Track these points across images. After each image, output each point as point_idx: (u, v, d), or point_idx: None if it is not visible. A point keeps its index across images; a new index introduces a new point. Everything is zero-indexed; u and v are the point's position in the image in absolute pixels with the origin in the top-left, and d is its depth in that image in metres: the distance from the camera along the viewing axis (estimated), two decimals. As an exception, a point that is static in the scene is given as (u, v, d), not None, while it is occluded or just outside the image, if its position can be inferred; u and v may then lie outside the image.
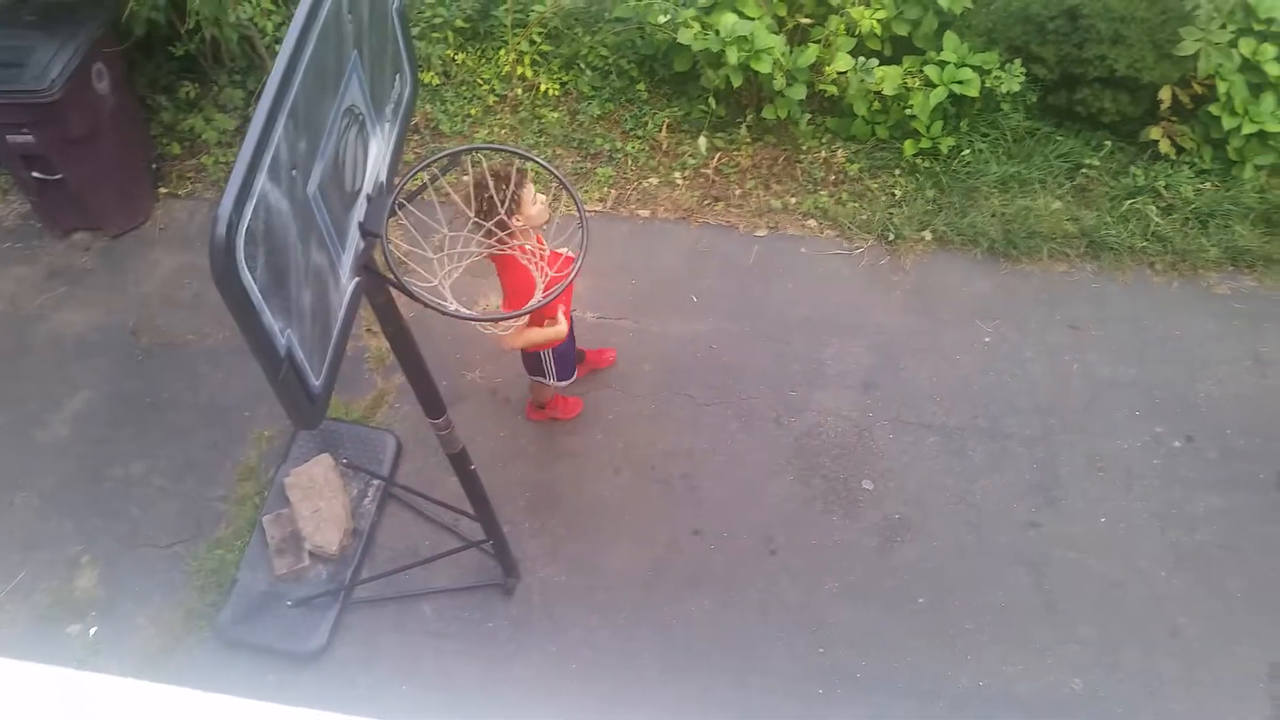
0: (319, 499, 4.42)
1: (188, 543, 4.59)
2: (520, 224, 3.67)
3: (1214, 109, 5.28)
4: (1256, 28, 5.23)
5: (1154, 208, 5.36)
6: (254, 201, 1.94)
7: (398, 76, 2.89)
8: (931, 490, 4.62)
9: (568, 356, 4.35)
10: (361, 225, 2.61)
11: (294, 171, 2.12)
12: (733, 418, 4.87)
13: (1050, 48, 5.46)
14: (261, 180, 1.97)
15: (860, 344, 5.08)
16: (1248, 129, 5.20)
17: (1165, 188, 5.37)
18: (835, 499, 4.61)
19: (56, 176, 5.25)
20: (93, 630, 4.36)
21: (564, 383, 4.45)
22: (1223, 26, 5.12)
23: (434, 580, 4.39)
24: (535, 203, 3.70)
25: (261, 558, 4.42)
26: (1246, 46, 5.21)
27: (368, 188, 2.66)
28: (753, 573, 4.43)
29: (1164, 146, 5.42)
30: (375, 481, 4.62)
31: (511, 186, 3.58)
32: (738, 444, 4.79)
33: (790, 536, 4.52)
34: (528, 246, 3.63)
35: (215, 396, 5.03)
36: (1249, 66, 5.23)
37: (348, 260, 2.54)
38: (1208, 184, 5.40)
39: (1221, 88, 5.24)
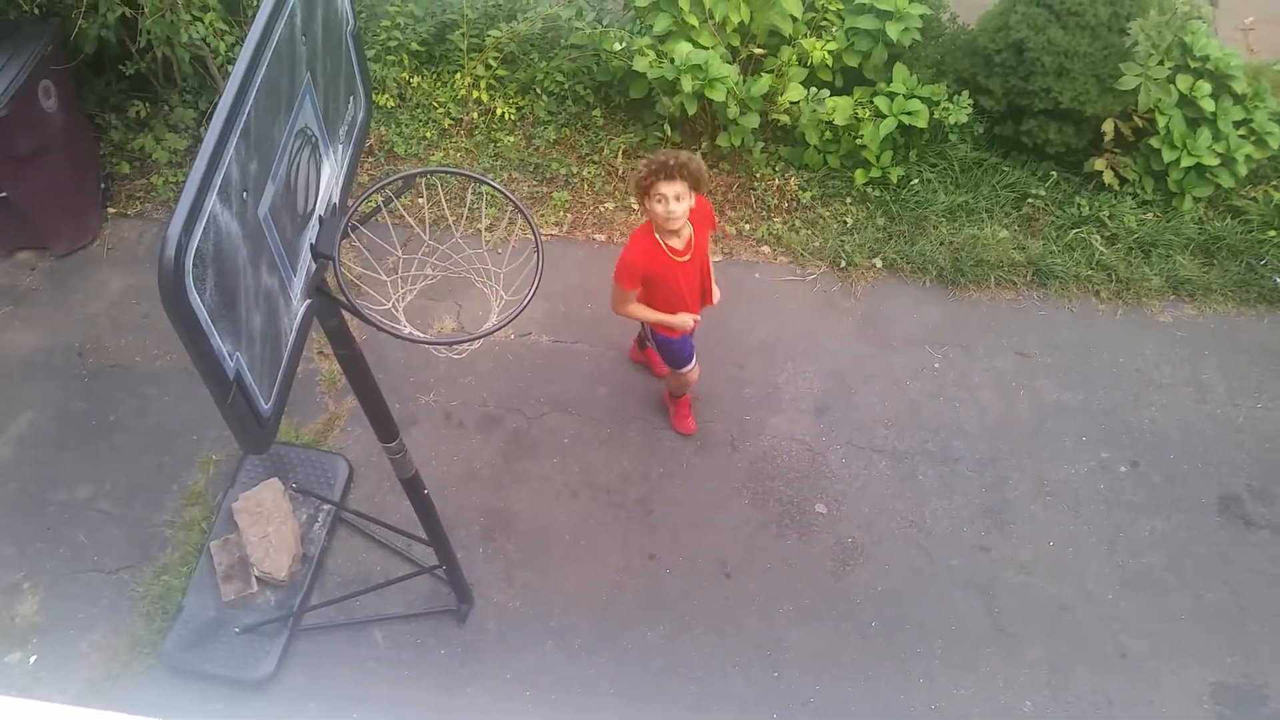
0: (268, 524, 4.35)
1: (133, 568, 4.48)
2: (650, 212, 3.83)
3: (1154, 142, 5.45)
4: (1193, 65, 5.42)
5: (1098, 237, 5.50)
6: (204, 223, 1.91)
7: (352, 99, 2.89)
8: (883, 514, 4.67)
9: (673, 348, 4.41)
10: (313, 247, 2.59)
11: (245, 193, 2.10)
12: (687, 442, 4.88)
13: (997, 80, 5.59)
14: (212, 201, 1.94)
15: (813, 369, 5.14)
16: (1186, 162, 5.37)
17: (1109, 218, 5.52)
18: (789, 523, 4.64)
19: (1, 195, 5.15)
20: (33, 659, 4.24)
21: (671, 370, 4.58)
22: (1161, 63, 5.27)
23: (386, 606, 4.34)
24: (660, 202, 3.76)
25: (209, 584, 4.34)
26: (1183, 83, 5.39)
27: (320, 209, 2.64)
28: (708, 597, 4.44)
29: (1108, 177, 5.57)
30: (326, 506, 4.56)
31: (650, 172, 3.72)
32: (693, 468, 4.81)
33: (745, 560, 4.54)
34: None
35: (163, 419, 4.94)
36: (1186, 101, 5.41)
37: (299, 282, 2.51)
38: (1149, 214, 5.56)
39: (1161, 121, 5.41)
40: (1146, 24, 5.19)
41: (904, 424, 4.95)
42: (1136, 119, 5.50)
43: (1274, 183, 5.62)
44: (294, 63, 2.35)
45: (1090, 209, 5.56)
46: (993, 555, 4.56)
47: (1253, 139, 5.41)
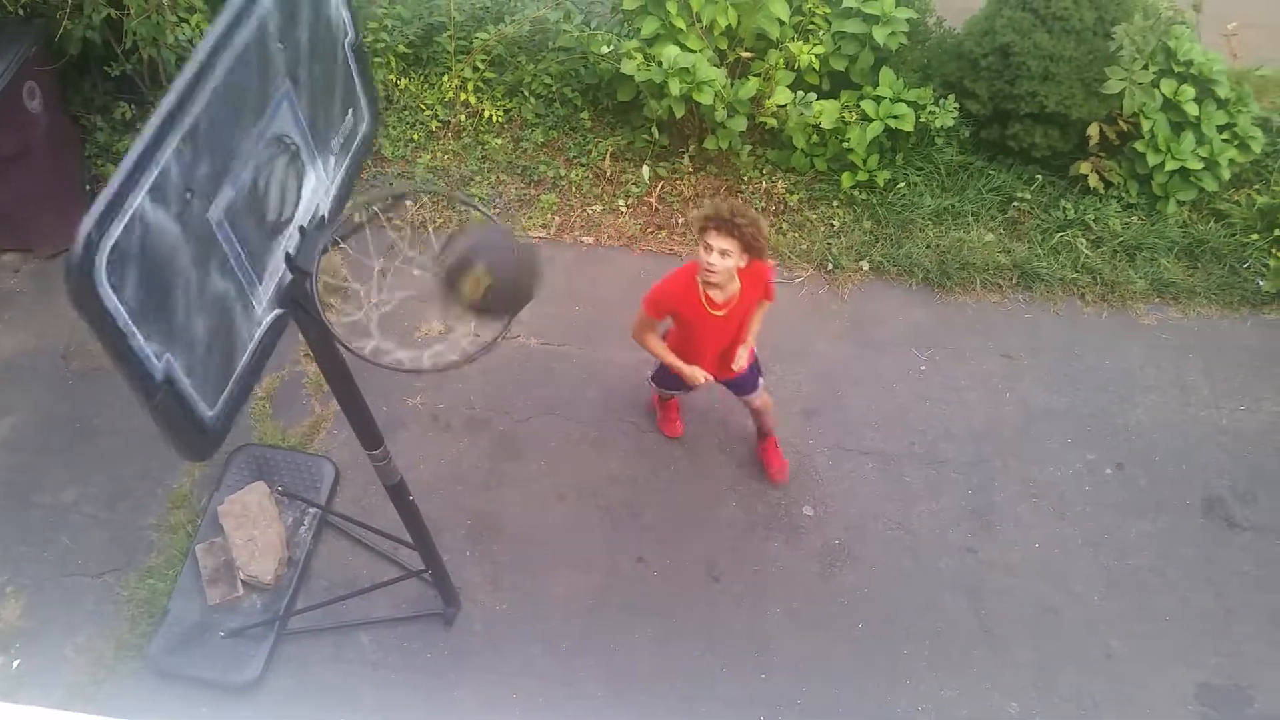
0: (253, 527, 4.33)
1: (118, 572, 4.46)
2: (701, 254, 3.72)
3: (1139, 146, 5.47)
4: (1176, 69, 5.45)
5: (1083, 240, 5.53)
6: (126, 219, 1.88)
7: (351, 112, 2.84)
8: (870, 516, 4.68)
9: (672, 378, 4.28)
10: (290, 259, 2.55)
11: (189, 194, 2.07)
12: (675, 445, 4.89)
13: (983, 84, 5.61)
14: (140, 199, 1.91)
15: (801, 371, 5.15)
16: (1170, 165, 5.40)
17: (1094, 221, 5.55)
18: (777, 525, 4.64)
19: (-16, 196, 5.12)
20: (16, 663, 4.21)
21: (654, 385, 4.56)
22: (1145, 67, 5.30)
23: (372, 610, 4.32)
24: (705, 250, 3.66)
25: (194, 587, 4.32)
26: (1168, 87, 5.42)
27: (301, 220, 2.61)
28: (696, 599, 4.44)
29: (1093, 181, 5.60)
30: (312, 510, 4.54)
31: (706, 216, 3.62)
32: (681, 471, 4.81)
33: (733, 563, 4.54)
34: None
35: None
36: (1170, 106, 5.44)
37: (266, 291, 2.47)
38: (1134, 218, 5.59)
39: (1145, 126, 5.44)
40: (1131, 28, 5.22)
41: (891, 426, 4.96)
42: (1121, 123, 5.53)
43: (1256, 187, 5.66)
44: (266, 67, 2.30)
45: (1075, 212, 5.58)
46: (979, 557, 4.57)
47: (1236, 143, 5.45)
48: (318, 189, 2.67)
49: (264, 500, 4.45)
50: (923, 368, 5.17)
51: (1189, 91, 5.41)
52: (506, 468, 4.81)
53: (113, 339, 1.93)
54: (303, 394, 5.00)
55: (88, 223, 1.80)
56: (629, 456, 4.84)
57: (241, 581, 4.29)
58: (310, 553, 4.46)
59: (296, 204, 2.57)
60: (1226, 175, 5.44)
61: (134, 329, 1.95)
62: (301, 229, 2.59)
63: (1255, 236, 5.42)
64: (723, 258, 3.63)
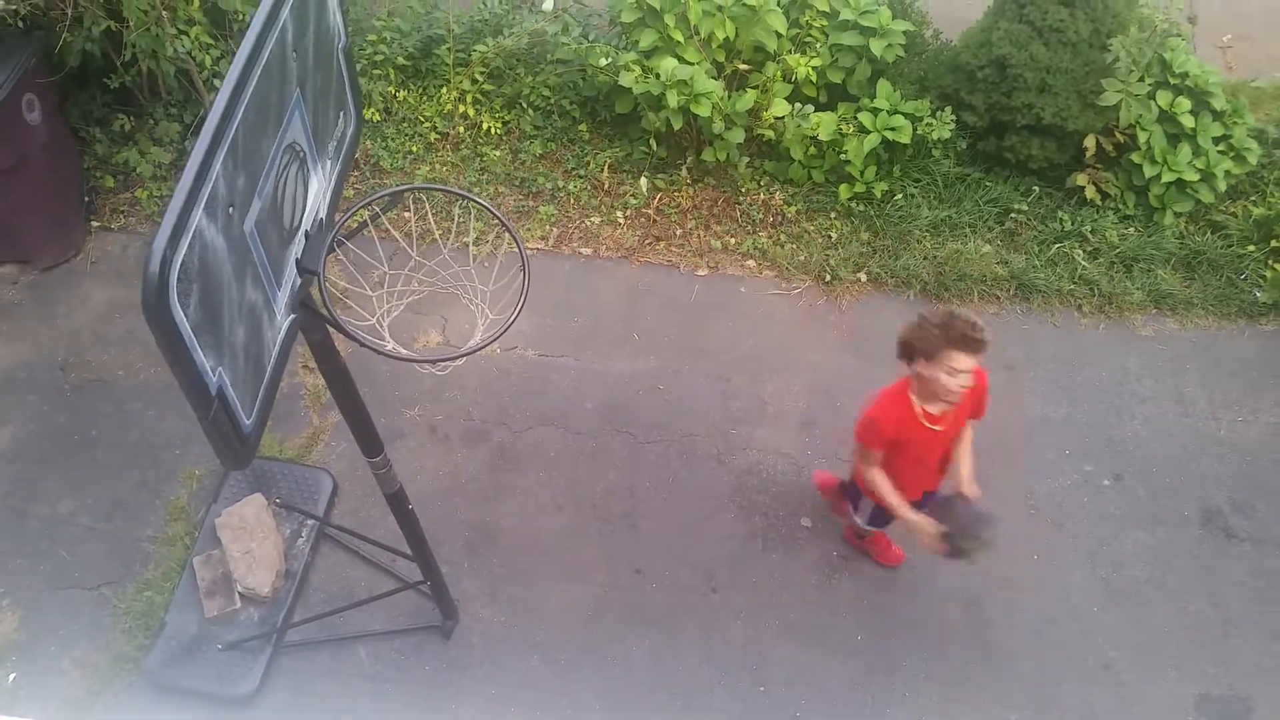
0: (251, 540, 4.32)
1: (115, 584, 4.45)
2: (922, 377, 3.47)
3: (1135, 157, 5.49)
4: (1172, 81, 5.47)
5: (1080, 252, 5.54)
6: (189, 237, 1.91)
7: (341, 114, 2.89)
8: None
9: (885, 514, 4.02)
10: (299, 262, 2.59)
11: (231, 208, 2.10)
12: (674, 455, 4.89)
13: (980, 96, 5.63)
14: (198, 215, 1.94)
15: (799, 382, 5.15)
16: (1167, 177, 5.42)
17: (1091, 232, 5.56)
18: (776, 537, 4.64)
19: (-16, 208, 5.13)
20: (12, 676, 4.20)
21: (867, 526, 4.24)
22: (1141, 79, 5.33)
23: (370, 623, 4.31)
24: (950, 375, 3.36)
25: (192, 600, 4.31)
26: (1163, 99, 5.44)
27: (306, 224, 2.64)
28: (694, 611, 4.43)
29: (1089, 192, 5.61)
30: (309, 522, 4.54)
31: (949, 339, 3.31)
32: (679, 482, 4.81)
33: (731, 574, 4.53)
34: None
35: (146, 434, 4.91)
36: (1166, 117, 5.46)
37: (283, 297, 2.51)
38: (1131, 229, 5.60)
39: (1142, 137, 5.46)
40: (1127, 41, 5.24)
41: (889, 437, 4.96)
42: (1118, 135, 5.55)
43: (1253, 198, 5.67)
44: (284, 78, 2.35)
45: (1072, 224, 5.60)
46: (978, 568, 4.55)
47: (1232, 155, 5.47)
48: (318, 193, 2.70)
49: (261, 512, 4.44)
50: (921, 379, 5.17)
51: (1185, 103, 5.42)
52: (504, 479, 4.80)
53: (180, 356, 1.96)
54: (300, 406, 5.00)
55: (160, 241, 1.83)
56: (627, 468, 4.84)
57: (239, 594, 4.28)
58: (308, 565, 4.45)
59: (304, 209, 2.59)
60: (1223, 187, 5.45)
61: (196, 344, 1.98)
62: (306, 234, 2.62)
63: (1251, 248, 5.43)
64: (970, 377, 3.40)
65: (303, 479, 4.66)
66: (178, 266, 1.88)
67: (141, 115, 5.87)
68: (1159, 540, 4.64)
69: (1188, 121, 5.40)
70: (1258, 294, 5.36)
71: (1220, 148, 5.46)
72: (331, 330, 2.76)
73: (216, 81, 5.44)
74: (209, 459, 4.74)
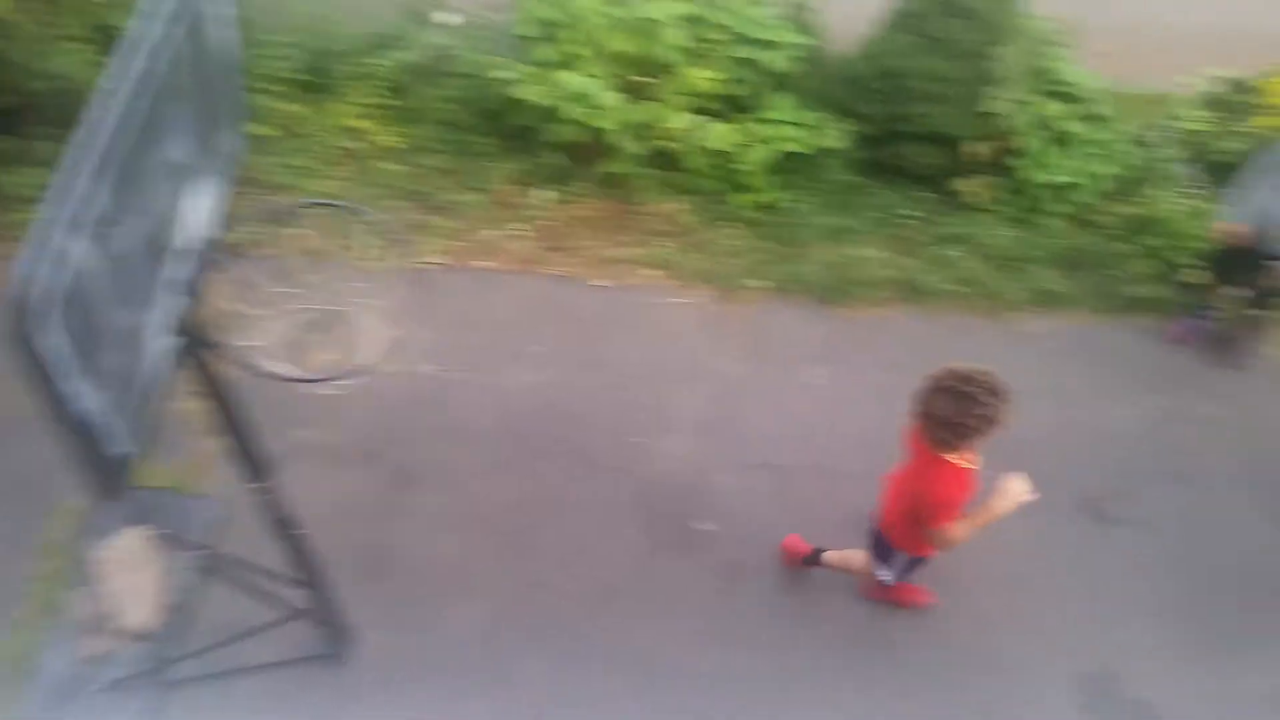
0: (131, 573, 4.17)
1: (-14, 626, 4.26)
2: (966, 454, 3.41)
3: (1019, 163, 5.66)
4: (1054, 89, 5.66)
5: (967, 254, 5.68)
6: (57, 259, 1.83)
7: (227, 130, 2.82)
8: (770, 530, 4.70)
9: (922, 565, 4.07)
10: (181, 283, 2.51)
11: (106, 227, 2.02)
12: (576, 467, 4.87)
13: (873, 106, 5.76)
14: (67, 236, 1.86)
15: (700, 390, 5.17)
16: (1048, 181, 5.59)
17: (977, 235, 5.73)
18: (678, 544, 4.64)
19: None
20: None
21: (897, 579, 4.19)
22: (1025, 87, 5.49)
23: (260, 654, 4.16)
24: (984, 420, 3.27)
25: (69, 639, 4.13)
26: (1045, 106, 5.62)
27: (190, 243, 2.57)
28: (597, 623, 4.41)
29: (976, 197, 5.77)
30: (193, 552, 4.39)
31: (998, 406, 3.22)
32: (580, 494, 4.79)
33: (635, 584, 4.52)
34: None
35: (16, 466, 4.68)
36: (1048, 124, 5.64)
37: (164, 319, 2.43)
38: (1015, 231, 5.78)
39: (1025, 143, 5.63)
40: (1012, 51, 5.42)
41: (789, 440, 5.02)
42: (1003, 141, 5.71)
43: (1129, 199, 5.87)
44: (166, 93, 2.27)
45: (959, 228, 5.76)
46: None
47: (1108, 158, 5.68)
48: (202, 210, 2.63)
49: (142, 545, 4.28)
50: (818, 382, 5.25)
51: (1065, 110, 5.61)
52: (400, 499, 4.72)
53: (45, 382, 1.87)
54: (183, 431, 4.84)
55: (24, 264, 1.75)
56: (527, 482, 4.80)
57: (119, 631, 4.12)
58: (193, 597, 4.31)
59: (186, 227, 2.52)
60: (1101, 188, 5.65)
61: (65, 371, 1.89)
62: (190, 253, 2.54)
63: (1127, 246, 5.64)
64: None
65: (186, 508, 4.51)
66: (44, 291, 1.79)
67: (21, 136, 5.65)
68: (1039, 527, 4.73)
69: (1067, 127, 5.59)
70: (1134, 289, 5.55)
71: (1098, 151, 5.66)
72: (216, 353, 2.68)
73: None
74: (85, 491, 4.56)
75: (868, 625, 4.46)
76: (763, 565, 4.60)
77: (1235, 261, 5.08)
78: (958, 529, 3.59)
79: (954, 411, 3.23)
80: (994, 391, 3.22)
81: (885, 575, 4.16)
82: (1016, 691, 4.33)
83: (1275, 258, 4.94)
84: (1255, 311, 5.27)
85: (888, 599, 4.51)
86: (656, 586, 4.52)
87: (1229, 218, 5.00)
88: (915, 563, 4.05)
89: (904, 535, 3.85)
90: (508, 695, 4.20)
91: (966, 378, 3.22)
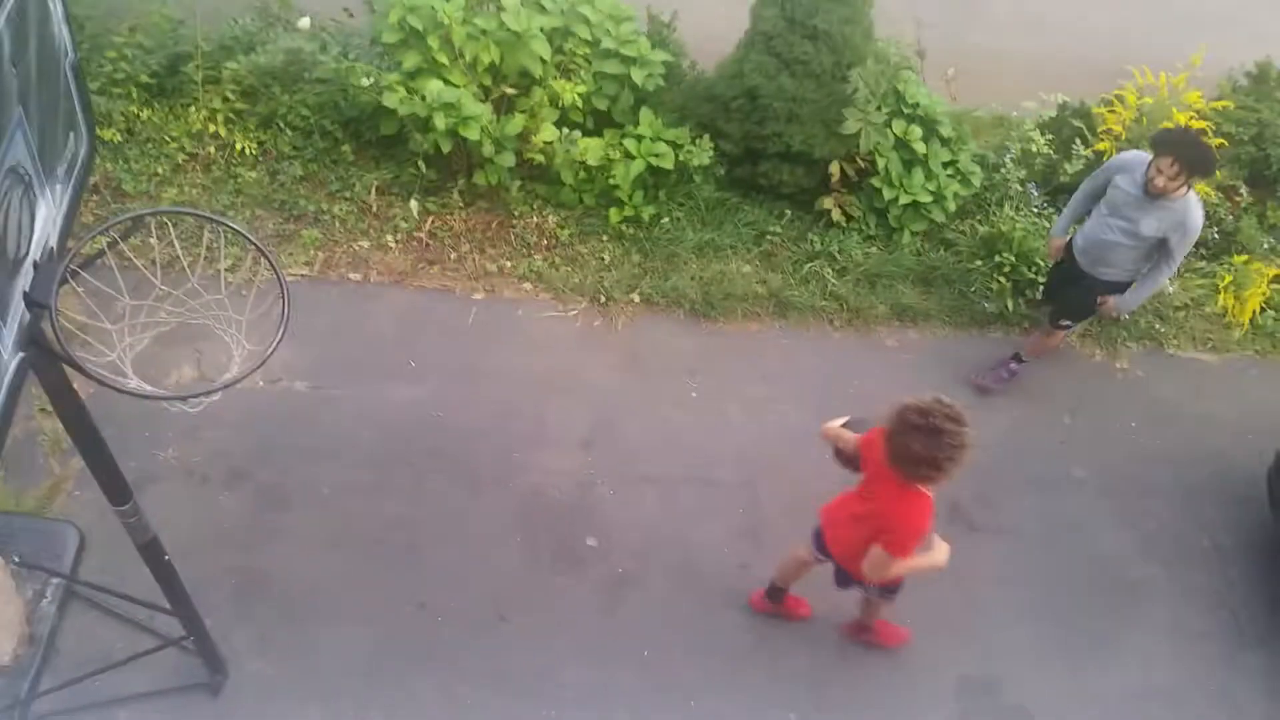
0: (-13, 604, 3.89)
1: None
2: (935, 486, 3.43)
3: (875, 181, 5.93)
4: (906, 110, 5.94)
5: (830, 270, 5.92)
6: None
7: (71, 134, 2.67)
8: (651, 542, 4.78)
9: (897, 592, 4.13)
10: (27, 295, 2.37)
11: None
12: (456, 483, 4.82)
13: (734, 125, 5.91)
14: None
15: (578, 403, 5.21)
16: (903, 199, 5.88)
17: (839, 252, 5.96)
18: (562, 559, 4.66)
19: None
20: None
21: (879, 599, 4.23)
22: (878, 109, 5.77)
23: (130, 685, 3.96)
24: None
25: (-83, 677, 3.82)
26: (898, 127, 5.90)
27: (35, 254, 2.42)
28: (483, 642, 4.37)
29: (835, 215, 6.01)
30: (55, 580, 4.13)
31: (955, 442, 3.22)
32: (462, 510, 4.74)
33: (519, 601, 4.51)
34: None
35: None
36: (902, 144, 5.93)
37: (10, 334, 2.29)
38: (874, 248, 6.05)
39: (880, 163, 5.90)
40: (865, 72, 5.67)
41: (667, 452, 5.11)
42: (859, 160, 5.98)
43: (979, 218, 6.24)
44: (3, 96, 2.14)
45: (822, 244, 5.98)
46: (752, 572, 4.75)
47: (959, 178, 6.00)
48: (48, 219, 2.49)
49: (-3, 573, 4.01)
50: (693, 394, 5.36)
51: (917, 131, 5.90)
52: (273, 519, 4.57)
53: None
54: (38, 453, 4.55)
55: None
56: (406, 499, 4.73)
57: (-25, 665, 3.84)
58: (55, 628, 4.05)
59: (32, 238, 2.37)
60: (953, 207, 5.98)
61: None
62: (35, 264, 2.40)
63: (979, 263, 5.98)
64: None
65: (44, 533, 4.24)
66: None
67: None
68: (914, 536, 5.00)
69: (920, 148, 5.89)
70: (986, 305, 5.90)
71: (949, 172, 5.99)
72: (68, 369, 2.54)
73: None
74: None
75: (749, 637, 4.57)
76: (645, 579, 4.66)
77: (1063, 281, 5.30)
78: (905, 563, 3.67)
79: (931, 448, 3.25)
80: (959, 420, 3.25)
81: (880, 599, 4.25)
82: (897, 696, 4.50)
83: (1094, 281, 5.10)
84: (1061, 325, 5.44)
85: (866, 639, 4.58)
86: (542, 604, 4.52)
87: (1054, 233, 5.32)
88: (889, 590, 4.12)
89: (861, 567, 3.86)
90: (394, 719, 4.12)
91: (928, 411, 3.24)
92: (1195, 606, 4.95)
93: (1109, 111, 6.27)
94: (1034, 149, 6.15)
